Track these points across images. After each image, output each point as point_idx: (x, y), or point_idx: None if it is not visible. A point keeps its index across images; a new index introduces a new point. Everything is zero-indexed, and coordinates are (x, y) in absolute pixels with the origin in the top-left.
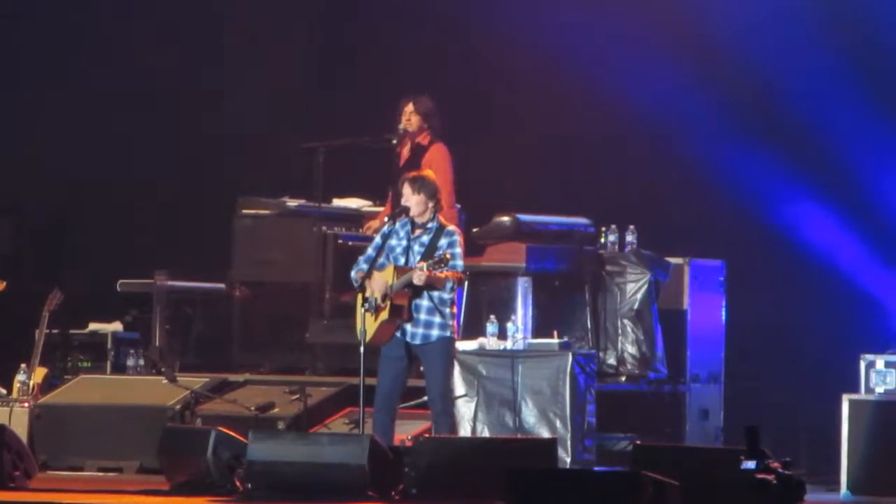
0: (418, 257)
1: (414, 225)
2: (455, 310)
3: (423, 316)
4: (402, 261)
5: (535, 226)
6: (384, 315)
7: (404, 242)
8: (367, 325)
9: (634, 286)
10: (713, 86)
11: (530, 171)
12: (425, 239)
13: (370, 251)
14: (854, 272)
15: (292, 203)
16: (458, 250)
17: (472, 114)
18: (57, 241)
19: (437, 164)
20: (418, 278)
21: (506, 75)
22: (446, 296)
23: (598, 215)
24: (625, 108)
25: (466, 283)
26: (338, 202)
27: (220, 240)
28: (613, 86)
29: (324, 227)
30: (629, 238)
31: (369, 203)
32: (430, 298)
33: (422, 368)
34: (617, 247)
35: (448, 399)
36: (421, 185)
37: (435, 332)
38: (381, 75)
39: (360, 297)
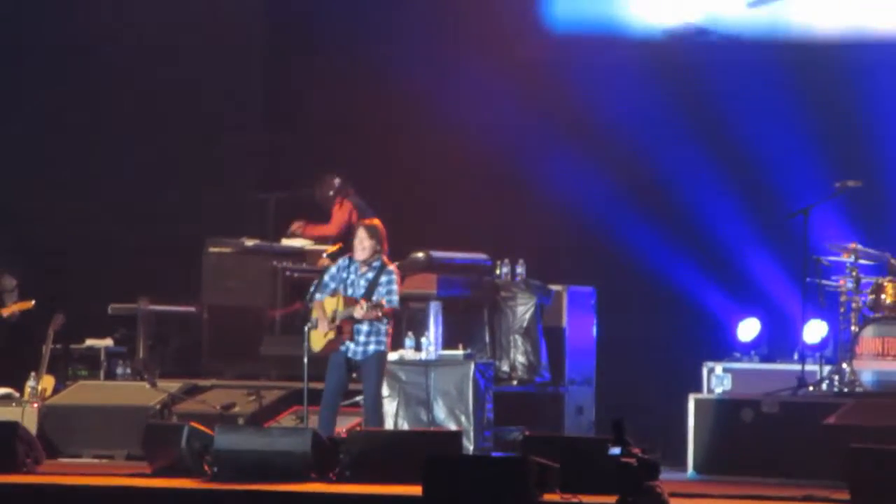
0: (362, 290)
1: (360, 262)
2: (391, 329)
3: (362, 338)
4: (349, 291)
5: (444, 260)
6: (331, 335)
7: (352, 276)
8: (318, 340)
9: (524, 308)
10: (585, 148)
11: (442, 214)
12: (370, 275)
13: (326, 278)
14: (697, 294)
15: (249, 242)
16: (394, 287)
17: (395, 171)
18: (60, 273)
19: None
20: (358, 314)
21: (422, 141)
22: (382, 327)
23: (494, 251)
24: (518, 164)
25: None
26: (286, 242)
27: (192, 272)
28: (511, 147)
29: (275, 262)
30: (519, 270)
31: (311, 243)
32: (370, 323)
33: (354, 375)
34: (509, 276)
35: (378, 400)
36: (374, 233)
37: (372, 348)
38: (324, 130)
39: (318, 317)
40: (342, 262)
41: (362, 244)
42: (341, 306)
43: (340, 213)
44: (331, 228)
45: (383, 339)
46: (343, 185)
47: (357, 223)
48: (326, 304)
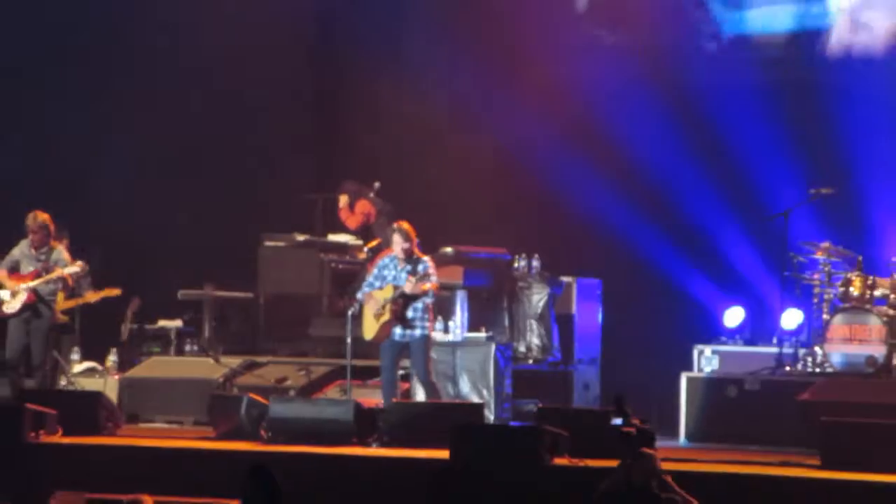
0: (405, 281)
1: (400, 259)
2: (431, 316)
3: (409, 321)
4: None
5: (469, 255)
6: (385, 317)
7: (393, 272)
8: (370, 328)
9: (538, 297)
10: (591, 156)
11: (468, 215)
12: (409, 267)
13: (370, 279)
14: (689, 286)
15: (300, 237)
16: (431, 271)
17: (429, 175)
18: (137, 264)
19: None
20: (408, 288)
21: (455, 150)
22: (429, 301)
23: (513, 247)
24: (536, 172)
25: None
26: (332, 237)
27: (250, 263)
28: (530, 157)
29: (322, 255)
30: (535, 263)
31: (354, 238)
32: (415, 310)
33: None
34: (526, 269)
35: (429, 374)
36: (405, 234)
37: (418, 332)
38: (358, 140)
39: (367, 305)
40: (382, 262)
41: (400, 246)
42: (391, 294)
43: (360, 215)
44: (352, 223)
45: (427, 324)
46: (362, 190)
47: (376, 223)
48: (376, 295)
